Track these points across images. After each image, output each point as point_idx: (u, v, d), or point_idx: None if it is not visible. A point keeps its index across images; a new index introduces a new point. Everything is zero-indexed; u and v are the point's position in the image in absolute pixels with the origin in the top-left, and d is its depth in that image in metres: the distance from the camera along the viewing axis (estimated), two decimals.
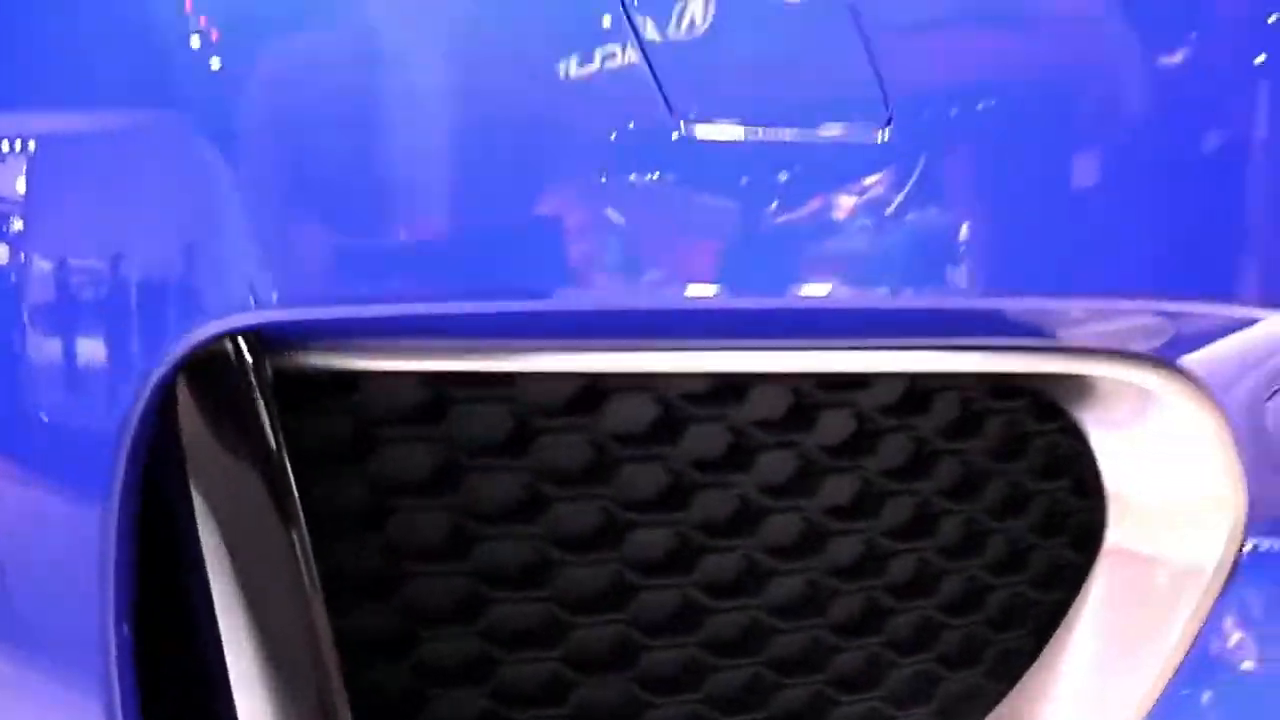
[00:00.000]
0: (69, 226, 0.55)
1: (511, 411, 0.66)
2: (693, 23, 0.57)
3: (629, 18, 0.55)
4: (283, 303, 0.56)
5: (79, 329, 0.54)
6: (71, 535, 0.58)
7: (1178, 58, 0.64)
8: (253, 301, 0.55)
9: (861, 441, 0.72)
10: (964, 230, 0.62)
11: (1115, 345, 0.72)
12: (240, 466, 0.60)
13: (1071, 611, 0.79)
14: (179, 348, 0.55)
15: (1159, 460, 0.77)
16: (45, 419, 0.57)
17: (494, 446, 0.66)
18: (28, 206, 0.56)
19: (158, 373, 0.55)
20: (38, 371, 0.56)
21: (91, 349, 0.55)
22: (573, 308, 0.60)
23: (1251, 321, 0.71)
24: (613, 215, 0.58)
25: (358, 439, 0.64)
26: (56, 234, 0.55)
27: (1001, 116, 0.61)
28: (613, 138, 0.57)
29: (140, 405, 0.55)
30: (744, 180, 0.58)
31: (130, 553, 0.59)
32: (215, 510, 0.60)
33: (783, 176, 0.59)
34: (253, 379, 0.57)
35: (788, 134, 0.58)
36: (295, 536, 0.60)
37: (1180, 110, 0.64)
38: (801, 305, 0.62)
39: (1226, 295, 0.69)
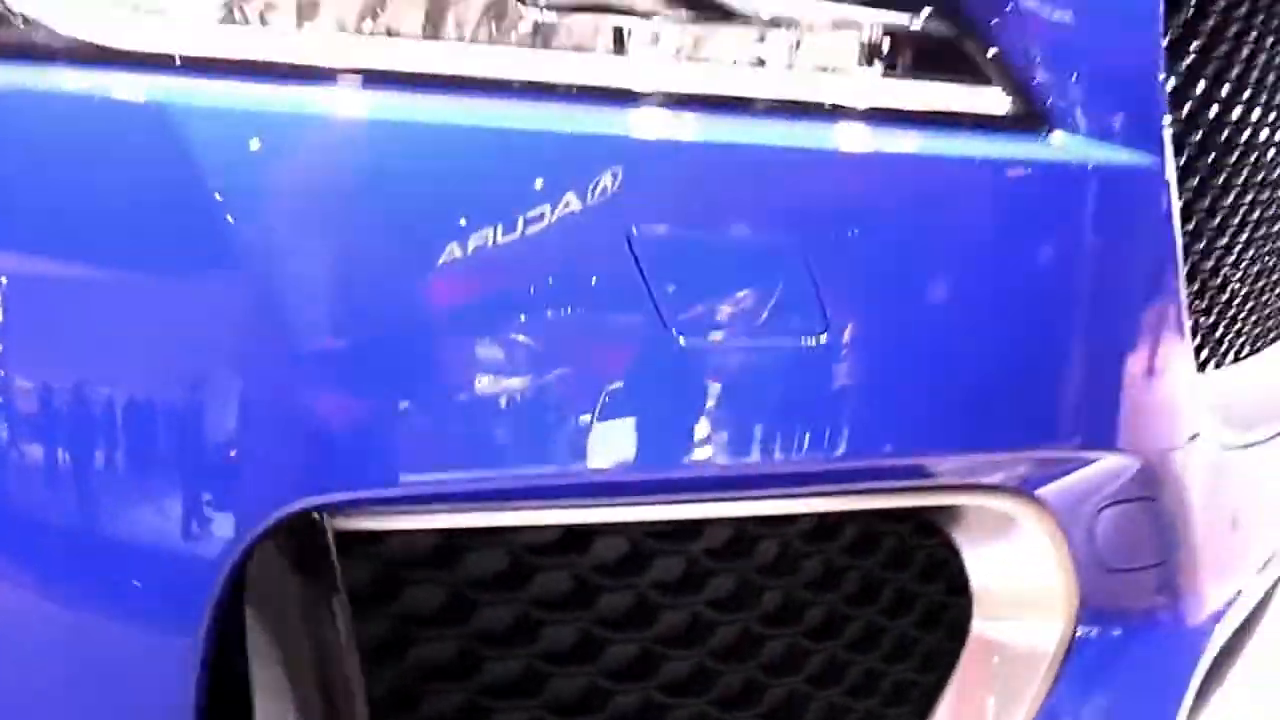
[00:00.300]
0: (181, 419, 0.66)
1: (508, 552, 0.79)
2: (685, 258, 0.72)
3: (634, 255, 0.70)
4: (347, 487, 0.69)
5: (196, 501, 0.66)
6: (162, 669, 0.69)
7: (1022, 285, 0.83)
8: (323, 487, 0.68)
9: (786, 563, 0.87)
10: (873, 407, 0.79)
11: (983, 482, 0.89)
12: (303, 608, 0.71)
13: (946, 689, 0.97)
14: (274, 517, 0.67)
15: (1013, 566, 0.95)
16: (142, 578, 0.68)
17: (494, 582, 0.79)
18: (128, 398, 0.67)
19: (252, 534, 0.67)
20: (142, 531, 0.67)
21: (205, 516, 0.67)
22: (570, 482, 0.74)
23: (1091, 461, 0.90)
24: (609, 400, 0.72)
25: (381, 581, 0.77)
26: (170, 422, 0.66)
27: (906, 329, 0.78)
28: (610, 347, 0.71)
29: (233, 558, 0.67)
30: (717, 376, 0.73)
31: (206, 683, 0.70)
32: (276, 643, 0.72)
33: (747, 373, 0.74)
34: (326, 538, 0.70)
35: (757, 341, 0.73)
36: (349, 668, 0.72)
37: (1031, 329, 0.83)
38: (747, 470, 0.77)
39: (1070, 444, 0.88)
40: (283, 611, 0.72)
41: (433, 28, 0.78)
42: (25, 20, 0.69)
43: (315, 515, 0.69)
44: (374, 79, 0.72)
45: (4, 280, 0.65)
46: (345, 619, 0.71)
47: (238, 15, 0.73)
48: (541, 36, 0.79)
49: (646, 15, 0.80)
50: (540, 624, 0.80)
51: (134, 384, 0.66)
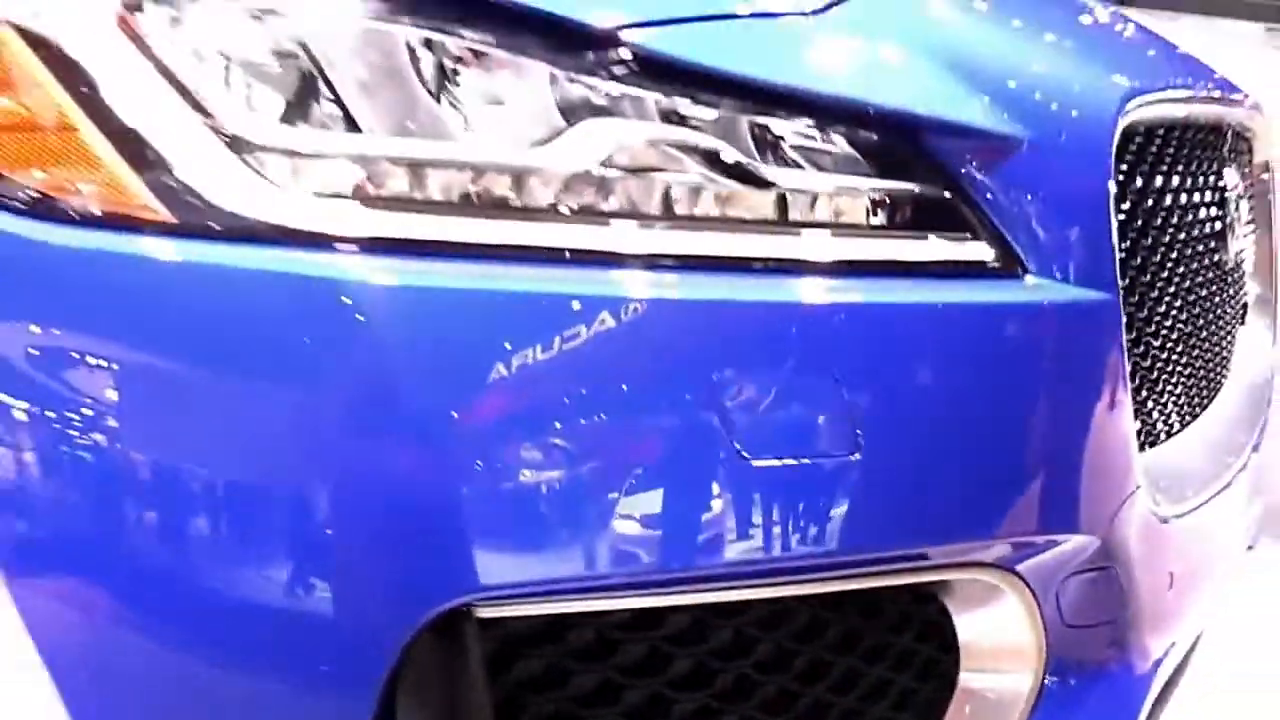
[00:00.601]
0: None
1: (597, 629, 0.97)
2: (758, 398, 0.90)
3: (713, 398, 0.88)
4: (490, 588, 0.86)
5: (386, 596, 0.84)
6: None
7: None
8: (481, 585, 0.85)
9: (814, 630, 1.06)
10: (893, 510, 0.97)
11: (975, 560, 1.08)
12: (449, 685, 0.88)
13: None
14: (442, 608, 0.84)
15: (995, 627, 1.14)
16: (331, 661, 0.85)
17: (586, 654, 0.97)
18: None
19: (423, 621, 0.85)
20: (339, 622, 0.84)
21: (391, 609, 0.85)
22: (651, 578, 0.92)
23: (1061, 542, 1.09)
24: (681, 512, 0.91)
25: (499, 657, 0.93)
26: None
27: (918, 447, 0.97)
28: (689, 472, 0.90)
29: (404, 643, 0.85)
30: (771, 488, 0.92)
31: None
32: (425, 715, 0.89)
33: (795, 485, 0.92)
34: (471, 624, 0.87)
35: (804, 460, 0.92)
36: None
37: (1013, 441, 1.03)
38: (793, 563, 0.95)
39: (1045, 530, 1.07)
40: (431, 688, 0.88)
41: (518, 189, 0.95)
42: (208, 203, 0.87)
43: (464, 607, 0.86)
44: (464, 251, 0.89)
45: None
46: (484, 693, 0.88)
47: (370, 189, 0.90)
48: (604, 192, 0.96)
49: (693, 179, 0.99)
50: (622, 688, 0.97)
51: (342, 505, 0.83)
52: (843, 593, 1.05)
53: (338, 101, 0.94)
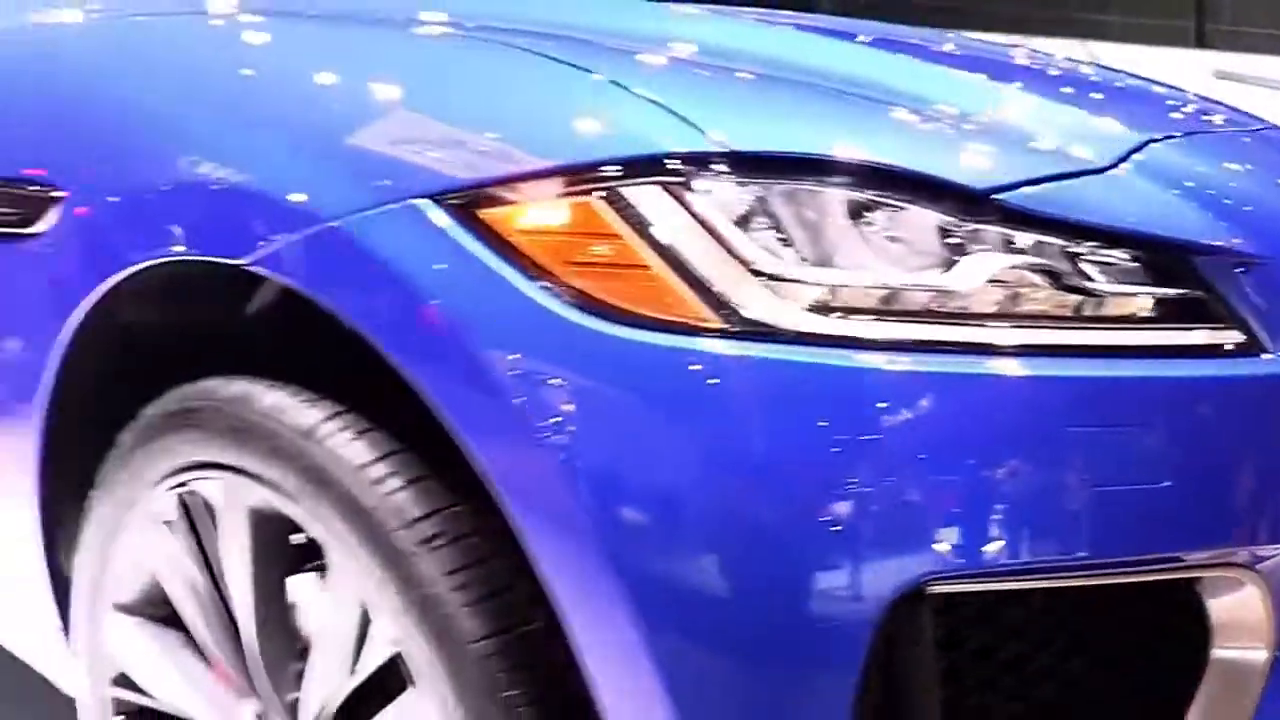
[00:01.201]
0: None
1: (979, 604, 1.38)
2: (1094, 444, 1.32)
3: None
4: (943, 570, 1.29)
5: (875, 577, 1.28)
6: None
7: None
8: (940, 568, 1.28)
9: (1112, 609, 1.46)
10: (1183, 526, 1.39)
11: (1226, 561, 1.47)
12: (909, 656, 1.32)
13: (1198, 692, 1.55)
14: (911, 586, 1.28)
15: (1239, 611, 1.52)
16: (823, 637, 1.28)
17: (975, 619, 1.38)
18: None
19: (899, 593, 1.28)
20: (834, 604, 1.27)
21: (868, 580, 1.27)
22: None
23: None
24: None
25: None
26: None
27: (1199, 484, 1.39)
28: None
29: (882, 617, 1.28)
30: (1114, 505, 1.33)
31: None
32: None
33: (1128, 505, 1.34)
34: (926, 601, 1.30)
35: (1132, 486, 1.33)
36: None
37: (1260, 480, 1.43)
38: (1120, 557, 1.37)
39: (1275, 540, 1.46)
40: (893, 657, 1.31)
41: (925, 302, 1.38)
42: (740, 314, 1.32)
43: (923, 585, 1.29)
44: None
45: None
46: (934, 658, 1.31)
47: (830, 301, 1.35)
48: (986, 301, 1.39)
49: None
50: (992, 650, 1.39)
51: (845, 513, 1.27)
52: (1143, 583, 1.45)
53: (789, 242, 1.38)
